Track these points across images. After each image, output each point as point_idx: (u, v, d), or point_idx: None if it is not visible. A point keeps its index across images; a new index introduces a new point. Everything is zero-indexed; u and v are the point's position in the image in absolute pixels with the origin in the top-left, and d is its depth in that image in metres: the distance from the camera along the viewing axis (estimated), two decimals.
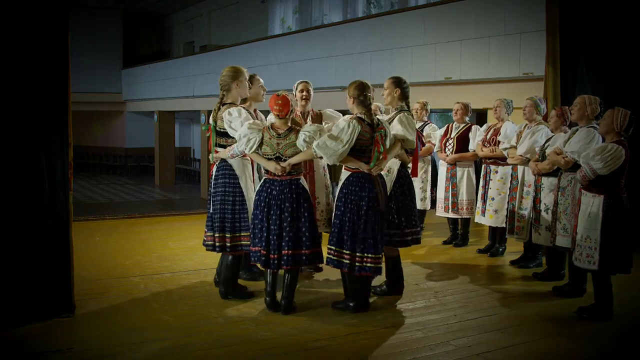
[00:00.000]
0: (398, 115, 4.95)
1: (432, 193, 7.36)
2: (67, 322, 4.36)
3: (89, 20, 22.42)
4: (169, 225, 8.67)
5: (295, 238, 4.52)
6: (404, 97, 5.05)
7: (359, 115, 4.58)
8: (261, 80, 5.27)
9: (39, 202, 4.28)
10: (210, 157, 5.03)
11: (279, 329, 4.30)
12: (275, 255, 4.52)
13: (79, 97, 15.64)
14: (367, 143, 4.53)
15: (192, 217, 9.65)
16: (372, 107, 4.73)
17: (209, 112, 5.19)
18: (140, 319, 4.50)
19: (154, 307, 4.77)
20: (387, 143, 4.64)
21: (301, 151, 4.55)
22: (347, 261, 4.54)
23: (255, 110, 5.31)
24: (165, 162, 21.57)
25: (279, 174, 4.54)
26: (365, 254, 4.50)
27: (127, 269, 5.91)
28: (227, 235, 4.82)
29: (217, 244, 4.84)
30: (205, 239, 4.97)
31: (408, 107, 5.08)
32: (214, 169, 4.99)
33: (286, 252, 4.51)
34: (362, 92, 4.58)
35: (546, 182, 5.60)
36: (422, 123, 7.30)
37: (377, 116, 4.84)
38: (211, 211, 4.92)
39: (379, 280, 4.99)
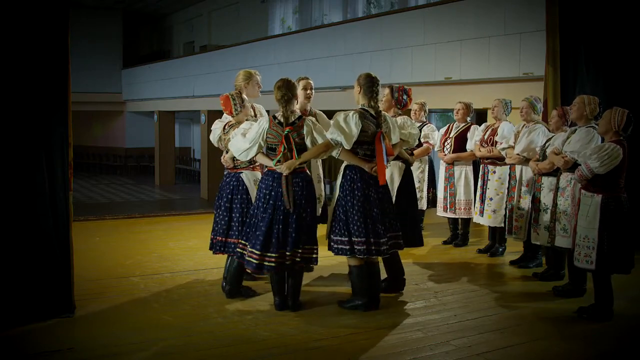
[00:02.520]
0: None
1: (429, 193, 7.37)
2: (67, 322, 4.36)
3: (89, 20, 22.41)
4: (169, 225, 8.67)
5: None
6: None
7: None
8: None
9: (39, 202, 4.28)
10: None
11: (279, 329, 4.30)
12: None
13: (79, 97, 15.63)
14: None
15: (192, 217, 9.65)
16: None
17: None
18: (140, 319, 4.50)
19: (154, 307, 4.77)
20: (394, 139, 4.70)
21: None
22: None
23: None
24: (165, 162, 21.56)
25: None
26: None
27: (127, 269, 5.91)
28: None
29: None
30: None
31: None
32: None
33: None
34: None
35: (546, 181, 5.59)
36: (421, 123, 7.30)
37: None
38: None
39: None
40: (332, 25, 13.11)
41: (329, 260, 5.95)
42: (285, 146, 4.50)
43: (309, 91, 5.44)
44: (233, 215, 4.86)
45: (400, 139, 4.88)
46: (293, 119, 4.59)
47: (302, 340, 4.12)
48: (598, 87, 6.57)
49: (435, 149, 7.19)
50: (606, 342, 4.24)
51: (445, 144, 7.00)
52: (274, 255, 4.49)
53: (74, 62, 4.72)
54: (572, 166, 4.94)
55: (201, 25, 21.83)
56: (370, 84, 4.62)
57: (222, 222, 4.89)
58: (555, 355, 4.00)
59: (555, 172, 5.39)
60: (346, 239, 4.56)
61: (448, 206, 6.95)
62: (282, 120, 4.58)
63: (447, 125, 7.15)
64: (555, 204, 5.28)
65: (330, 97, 11.29)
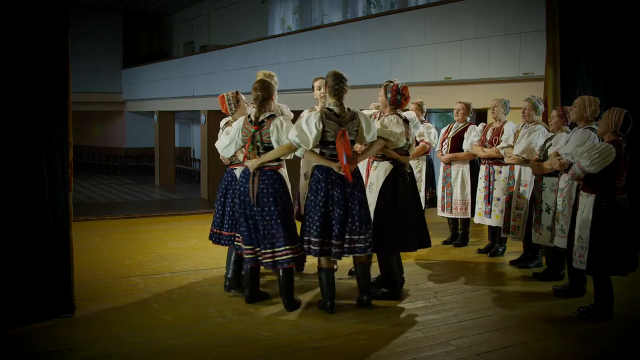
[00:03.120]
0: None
1: (427, 193, 7.36)
2: (67, 322, 4.36)
3: (89, 20, 22.40)
4: (169, 225, 8.67)
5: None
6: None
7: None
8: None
9: (39, 202, 4.28)
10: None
11: (279, 329, 4.30)
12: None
13: (79, 97, 15.65)
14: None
15: (192, 217, 9.65)
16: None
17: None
18: (140, 319, 4.50)
19: (154, 307, 4.77)
20: (367, 137, 4.66)
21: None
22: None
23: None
24: (165, 162, 21.58)
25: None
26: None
27: (127, 269, 5.91)
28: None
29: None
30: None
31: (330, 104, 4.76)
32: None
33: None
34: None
35: (548, 182, 5.59)
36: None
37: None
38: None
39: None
40: (332, 25, 13.11)
41: None
42: (251, 145, 4.61)
43: (322, 90, 5.45)
44: (226, 209, 5.04)
45: (382, 138, 4.80)
46: (262, 119, 4.62)
47: (302, 340, 4.12)
48: (598, 87, 6.57)
49: (435, 149, 7.18)
50: (606, 342, 4.24)
51: (443, 144, 7.01)
52: (248, 248, 4.69)
53: (74, 62, 4.72)
54: (569, 167, 4.93)
55: (201, 25, 21.83)
56: (333, 82, 4.59)
57: (217, 215, 5.14)
58: (555, 355, 4.00)
59: (556, 173, 5.39)
60: (306, 238, 4.60)
61: (445, 206, 6.96)
62: (253, 119, 4.65)
63: (448, 125, 7.15)
64: (555, 204, 5.28)
65: None
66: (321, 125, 4.46)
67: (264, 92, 4.65)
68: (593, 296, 4.68)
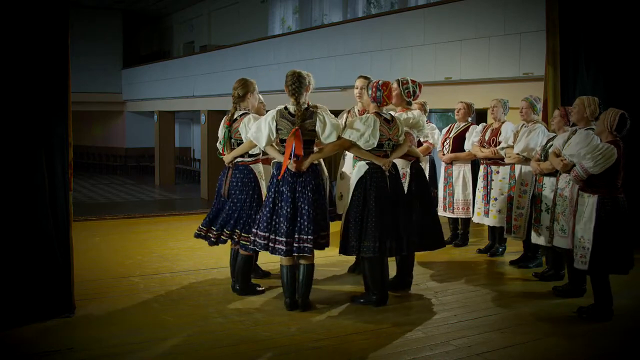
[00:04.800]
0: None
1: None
2: (67, 322, 4.35)
3: (89, 20, 22.42)
4: (169, 225, 8.67)
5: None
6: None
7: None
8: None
9: (39, 202, 4.27)
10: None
11: (279, 329, 4.30)
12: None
13: (79, 97, 15.64)
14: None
15: (192, 217, 9.63)
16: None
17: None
18: (140, 319, 4.50)
19: (154, 307, 4.77)
20: (322, 137, 4.62)
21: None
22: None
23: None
24: (165, 162, 21.58)
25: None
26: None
27: (127, 269, 5.91)
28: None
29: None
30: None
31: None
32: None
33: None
34: (292, 82, 4.59)
35: (548, 182, 5.59)
36: None
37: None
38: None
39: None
40: (332, 25, 13.11)
41: (332, 259, 5.95)
42: (224, 140, 4.98)
43: (358, 90, 5.48)
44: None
45: (341, 137, 4.67)
46: (236, 116, 4.92)
47: (302, 340, 4.12)
48: (598, 87, 6.57)
49: (437, 149, 7.19)
50: (606, 342, 4.24)
51: (445, 144, 7.01)
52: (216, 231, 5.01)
53: (74, 62, 4.72)
54: (571, 168, 4.93)
55: (201, 25, 21.83)
56: (290, 82, 4.59)
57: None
58: (555, 355, 4.01)
59: (556, 173, 5.39)
60: (254, 230, 4.71)
61: (447, 206, 6.96)
62: (230, 117, 4.96)
63: (449, 125, 7.15)
64: (554, 204, 5.28)
65: (330, 97, 11.28)
66: (274, 124, 4.56)
67: (243, 89, 4.95)
68: (593, 296, 4.68)
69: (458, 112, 6.98)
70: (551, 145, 5.47)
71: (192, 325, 4.37)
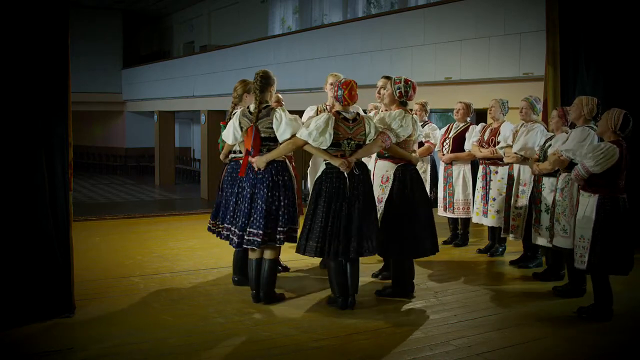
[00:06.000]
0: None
1: (431, 193, 7.36)
2: (67, 322, 4.35)
3: (89, 20, 22.42)
4: (169, 225, 8.67)
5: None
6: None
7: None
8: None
9: (39, 202, 4.27)
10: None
11: (279, 329, 4.30)
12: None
13: (79, 97, 15.66)
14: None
15: (192, 217, 9.65)
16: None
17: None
18: (140, 319, 4.50)
19: (154, 307, 4.77)
20: (278, 135, 4.68)
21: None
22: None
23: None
24: (165, 162, 21.58)
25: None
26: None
27: (127, 269, 5.91)
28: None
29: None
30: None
31: None
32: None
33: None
34: (255, 82, 4.75)
35: (547, 182, 5.59)
36: (422, 123, 7.29)
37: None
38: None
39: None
40: (332, 25, 13.12)
41: None
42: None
43: (380, 90, 5.48)
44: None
45: (293, 135, 4.65)
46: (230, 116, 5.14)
47: (302, 340, 4.12)
48: (598, 87, 6.57)
49: (436, 149, 7.18)
50: (606, 342, 4.23)
51: (444, 144, 7.00)
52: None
53: (74, 62, 4.72)
54: (569, 166, 4.93)
55: (201, 25, 21.84)
56: (253, 82, 4.80)
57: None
58: (555, 355, 4.01)
59: (555, 173, 5.39)
60: (220, 223, 5.14)
61: (447, 206, 6.96)
62: (229, 116, 5.21)
63: (448, 125, 7.15)
64: (554, 204, 5.28)
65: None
66: (237, 123, 4.79)
67: (240, 89, 5.22)
68: (593, 296, 4.68)
69: (457, 112, 6.98)
70: (549, 146, 5.48)
71: (192, 325, 4.37)
